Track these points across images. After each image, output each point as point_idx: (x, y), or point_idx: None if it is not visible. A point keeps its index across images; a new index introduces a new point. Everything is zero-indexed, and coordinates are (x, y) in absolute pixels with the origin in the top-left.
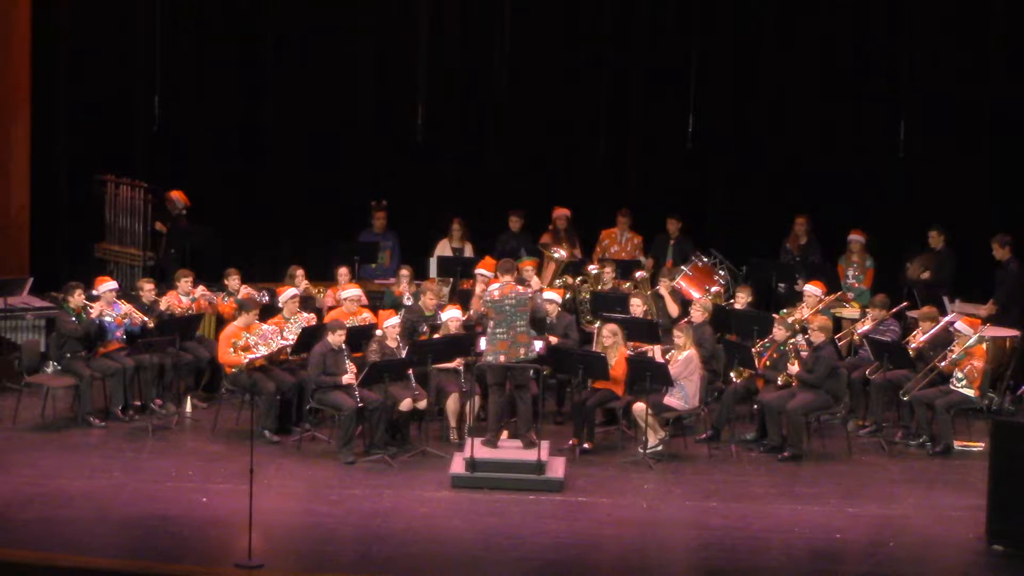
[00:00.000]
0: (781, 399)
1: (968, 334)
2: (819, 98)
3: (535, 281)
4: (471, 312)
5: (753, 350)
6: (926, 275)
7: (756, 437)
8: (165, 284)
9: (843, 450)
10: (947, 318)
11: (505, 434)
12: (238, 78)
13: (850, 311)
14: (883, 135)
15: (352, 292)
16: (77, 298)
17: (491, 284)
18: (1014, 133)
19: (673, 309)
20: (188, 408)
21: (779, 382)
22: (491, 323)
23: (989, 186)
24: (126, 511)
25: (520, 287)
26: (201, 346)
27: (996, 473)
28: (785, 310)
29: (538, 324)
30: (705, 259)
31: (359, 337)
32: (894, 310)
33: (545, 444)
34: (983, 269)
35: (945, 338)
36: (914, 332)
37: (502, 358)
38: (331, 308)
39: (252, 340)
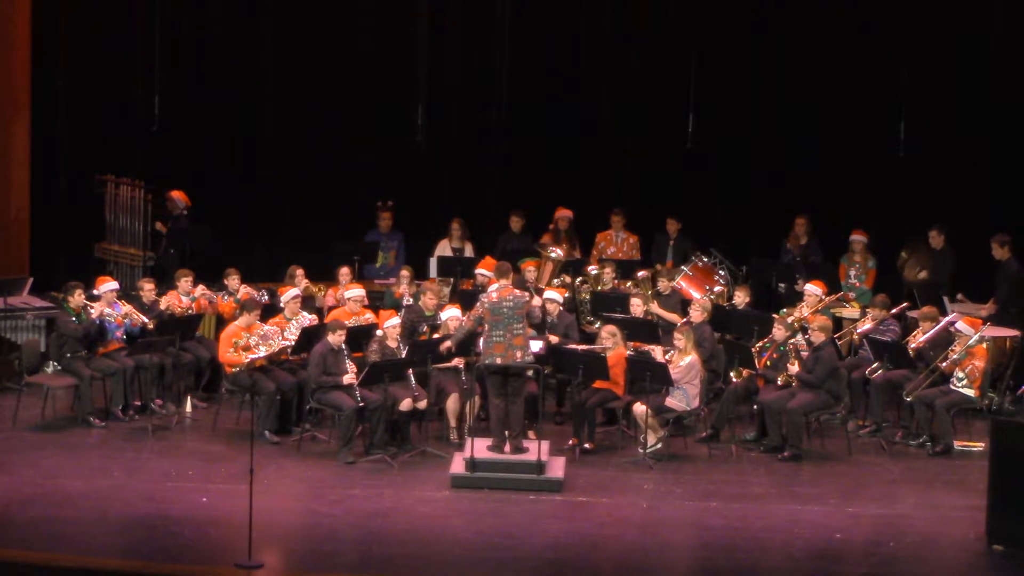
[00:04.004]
0: (781, 399)
1: (969, 334)
2: (819, 98)
3: (536, 301)
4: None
5: (753, 349)
6: (923, 275)
7: (756, 437)
8: (165, 284)
9: (843, 450)
10: (947, 318)
11: None
12: (238, 78)
13: (850, 311)
14: (883, 135)
15: (356, 292)
16: (77, 298)
17: (489, 285)
18: (1014, 133)
19: (674, 318)
20: (188, 408)
21: (779, 382)
22: (487, 326)
23: (989, 186)
24: (126, 511)
25: (518, 291)
26: (201, 346)
27: (996, 473)
28: (785, 310)
29: (538, 324)
30: (705, 259)
31: (359, 337)
32: (894, 310)
33: (545, 444)
34: (983, 269)
35: (945, 338)
36: (914, 332)
37: (499, 360)
38: (332, 308)
39: (253, 340)
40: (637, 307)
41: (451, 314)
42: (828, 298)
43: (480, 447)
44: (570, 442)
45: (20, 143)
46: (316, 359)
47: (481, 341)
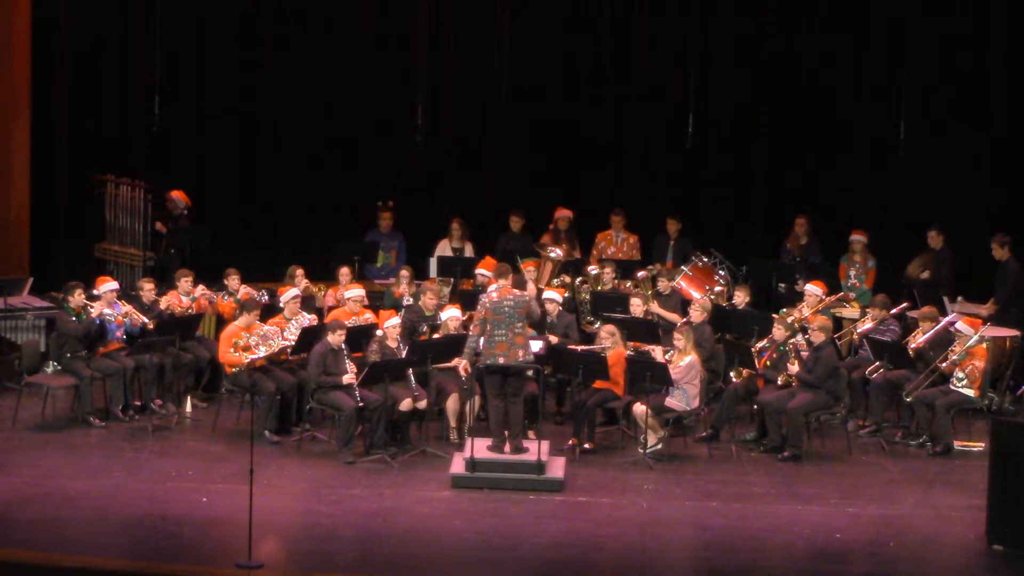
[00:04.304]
0: (781, 399)
1: (969, 334)
2: (819, 97)
3: (531, 287)
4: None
5: (753, 349)
6: (925, 275)
7: (756, 437)
8: (165, 284)
9: (843, 450)
10: (947, 318)
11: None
12: (238, 78)
13: (850, 311)
14: (883, 135)
15: (356, 292)
16: (77, 298)
17: (489, 285)
18: (1014, 134)
19: (674, 318)
20: (188, 408)
21: (779, 382)
22: (488, 325)
23: (989, 186)
24: (126, 511)
25: (517, 290)
26: (201, 346)
27: (996, 473)
28: (785, 310)
29: (538, 324)
30: (705, 259)
31: (359, 337)
32: (894, 310)
33: (545, 444)
34: (983, 269)
35: (945, 338)
36: (914, 332)
37: (501, 360)
38: (331, 308)
39: (253, 340)
40: (637, 307)
41: (451, 314)
42: (828, 298)
43: (480, 447)
44: (570, 442)
45: (20, 143)
46: (316, 359)
47: (482, 341)
